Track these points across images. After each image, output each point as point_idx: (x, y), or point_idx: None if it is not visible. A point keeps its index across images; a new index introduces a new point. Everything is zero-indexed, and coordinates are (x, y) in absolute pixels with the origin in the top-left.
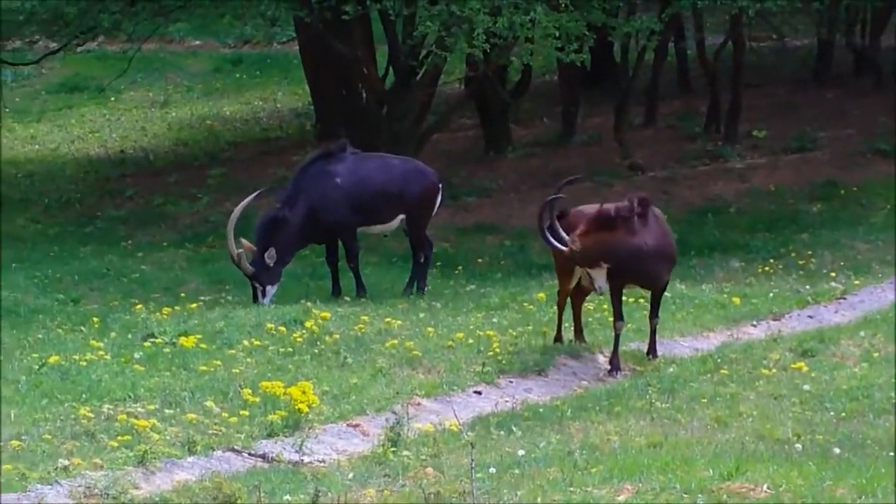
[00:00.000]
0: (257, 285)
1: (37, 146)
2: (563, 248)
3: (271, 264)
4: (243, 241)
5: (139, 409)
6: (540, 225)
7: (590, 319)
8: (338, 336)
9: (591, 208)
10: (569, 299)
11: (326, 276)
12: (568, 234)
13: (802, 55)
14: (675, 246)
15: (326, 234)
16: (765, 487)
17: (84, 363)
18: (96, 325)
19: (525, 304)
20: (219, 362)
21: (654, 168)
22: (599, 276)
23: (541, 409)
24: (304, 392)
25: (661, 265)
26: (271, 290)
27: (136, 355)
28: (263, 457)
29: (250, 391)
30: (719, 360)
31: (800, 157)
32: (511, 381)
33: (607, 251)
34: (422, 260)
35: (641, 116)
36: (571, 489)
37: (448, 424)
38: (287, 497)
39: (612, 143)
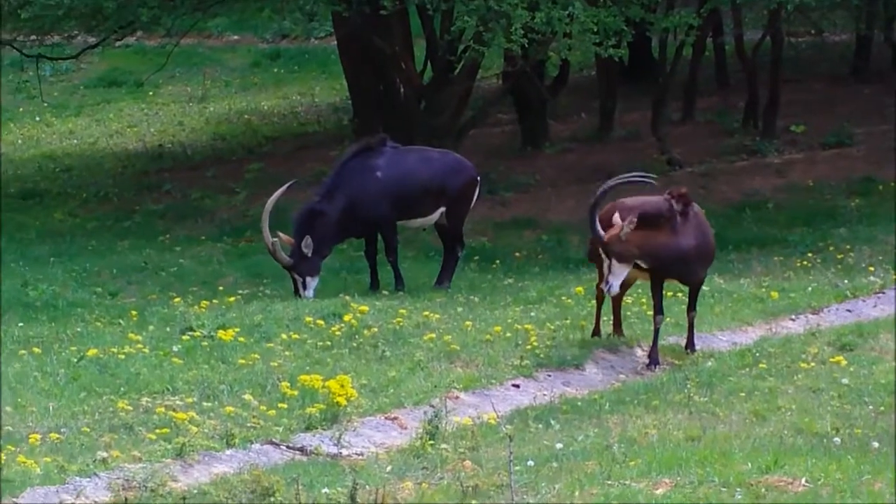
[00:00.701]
0: (297, 277)
1: (75, 140)
2: (602, 234)
3: (309, 253)
4: (280, 234)
5: (178, 402)
6: (591, 212)
7: (628, 313)
8: (376, 329)
9: (630, 201)
10: None
11: (364, 271)
12: (602, 226)
13: (841, 50)
14: (714, 243)
15: (365, 228)
16: (803, 481)
17: (122, 356)
18: (135, 319)
19: (563, 297)
20: (257, 355)
21: (691, 163)
22: (620, 273)
23: (579, 403)
24: (342, 385)
25: (700, 263)
26: (312, 282)
27: (175, 348)
28: (302, 450)
29: (288, 384)
30: (758, 354)
31: (837, 153)
32: (549, 375)
33: (649, 250)
34: (459, 253)
35: (679, 112)
36: (609, 482)
37: (486, 418)
38: (325, 490)
39: (650, 139)
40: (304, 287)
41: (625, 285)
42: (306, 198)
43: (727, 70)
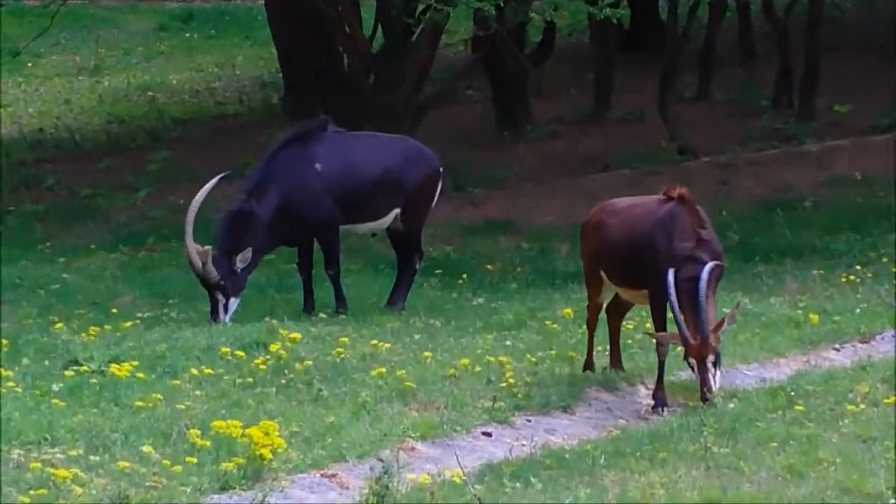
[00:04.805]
0: (220, 297)
1: None
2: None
3: (239, 269)
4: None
5: (58, 456)
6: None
7: (629, 342)
8: (311, 363)
9: (620, 203)
10: (604, 317)
11: (296, 287)
12: (592, 233)
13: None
14: None
15: (302, 234)
16: None
17: None
18: (6, 349)
19: (547, 322)
20: (159, 396)
21: (709, 152)
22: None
23: (567, 456)
24: (267, 434)
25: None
26: (234, 302)
27: (55, 387)
28: None
29: (199, 433)
30: (793, 394)
31: (892, 139)
32: (529, 420)
33: None
34: (417, 265)
35: (693, 88)
36: None
37: (449, 475)
38: None
39: (657, 121)
40: (226, 310)
41: (622, 307)
42: (231, 196)
43: (753, 35)
